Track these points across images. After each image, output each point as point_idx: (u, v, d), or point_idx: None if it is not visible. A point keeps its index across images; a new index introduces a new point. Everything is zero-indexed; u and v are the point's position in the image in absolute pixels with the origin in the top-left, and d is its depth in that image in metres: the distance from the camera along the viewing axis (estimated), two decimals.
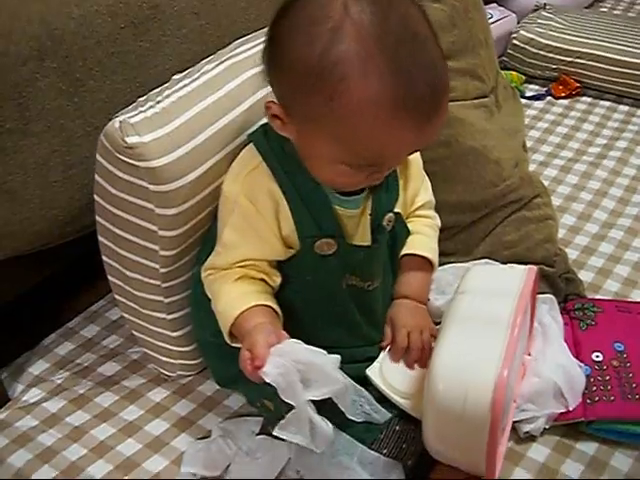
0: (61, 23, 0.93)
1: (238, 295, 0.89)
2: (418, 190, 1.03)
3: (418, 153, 0.99)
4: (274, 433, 0.80)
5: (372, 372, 0.96)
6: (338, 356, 0.81)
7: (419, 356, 0.98)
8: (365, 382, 0.95)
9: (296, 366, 0.78)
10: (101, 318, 1.23)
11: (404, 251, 1.03)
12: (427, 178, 1.06)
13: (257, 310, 0.88)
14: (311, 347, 0.81)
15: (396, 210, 0.98)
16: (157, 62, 1.04)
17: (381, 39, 0.75)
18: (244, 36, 1.07)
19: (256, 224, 0.89)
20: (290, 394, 0.78)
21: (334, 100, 0.76)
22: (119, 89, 1.01)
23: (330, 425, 0.81)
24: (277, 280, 0.92)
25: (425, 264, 1.03)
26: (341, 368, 0.81)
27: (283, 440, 0.92)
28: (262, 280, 0.91)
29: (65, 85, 0.95)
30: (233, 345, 0.91)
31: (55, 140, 0.96)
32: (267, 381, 0.78)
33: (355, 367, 0.93)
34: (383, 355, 0.98)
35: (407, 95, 0.75)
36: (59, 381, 1.12)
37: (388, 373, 0.96)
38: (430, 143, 0.84)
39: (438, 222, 1.08)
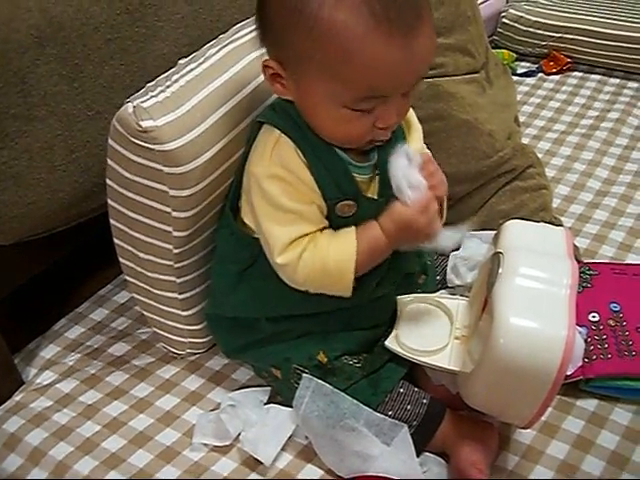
0: (59, 11, 0.95)
1: (337, 236, 0.90)
2: (421, 141, 1.03)
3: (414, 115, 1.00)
4: None
5: (390, 342, 0.98)
6: None
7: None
8: None
9: None
10: (109, 302, 1.25)
11: None
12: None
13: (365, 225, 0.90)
14: None
15: None
16: (154, 47, 1.07)
17: None
18: (237, 21, 1.09)
19: (298, 186, 0.88)
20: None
21: (315, 28, 0.79)
22: (118, 74, 1.03)
23: None
24: None
25: None
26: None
27: (290, 407, 0.96)
28: None
29: (65, 71, 0.97)
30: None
31: (58, 124, 0.98)
32: None
33: None
34: (396, 324, 1.00)
35: (385, 6, 0.78)
36: (71, 363, 1.14)
37: (405, 338, 0.97)
38: (423, 71, 0.85)
39: None
